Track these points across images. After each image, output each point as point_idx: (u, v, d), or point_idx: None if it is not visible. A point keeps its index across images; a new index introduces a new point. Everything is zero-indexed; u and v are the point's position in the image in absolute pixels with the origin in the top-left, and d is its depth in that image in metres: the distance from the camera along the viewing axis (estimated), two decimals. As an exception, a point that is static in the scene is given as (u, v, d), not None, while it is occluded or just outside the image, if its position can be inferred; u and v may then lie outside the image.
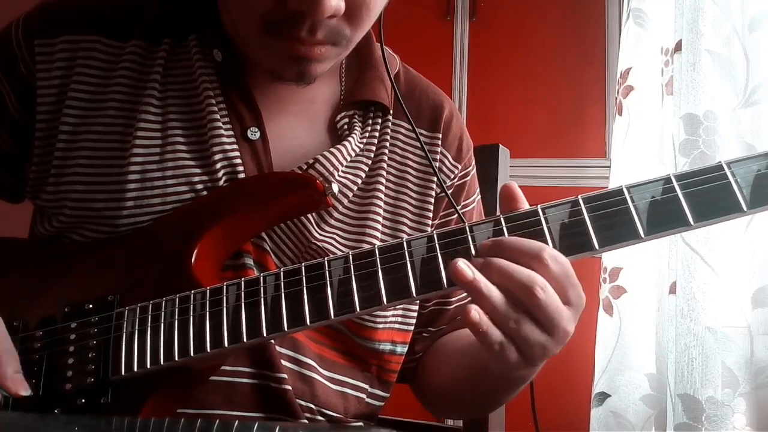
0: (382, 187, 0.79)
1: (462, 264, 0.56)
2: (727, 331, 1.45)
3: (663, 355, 1.58)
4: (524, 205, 0.61)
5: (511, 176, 1.13)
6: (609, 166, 1.85)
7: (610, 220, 0.57)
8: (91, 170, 0.72)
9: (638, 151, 1.68)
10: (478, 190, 0.92)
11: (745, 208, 0.56)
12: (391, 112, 0.82)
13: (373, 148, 0.80)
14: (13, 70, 0.75)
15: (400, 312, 0.80)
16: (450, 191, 0.84)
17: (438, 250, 0.60)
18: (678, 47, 1.57)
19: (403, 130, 0.83)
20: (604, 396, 1.62)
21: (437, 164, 0.83)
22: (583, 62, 2.19)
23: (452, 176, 0.85)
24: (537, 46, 2.23)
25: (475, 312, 0.56)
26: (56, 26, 0.75)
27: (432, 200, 0.83)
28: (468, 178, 0.88)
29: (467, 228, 0.60)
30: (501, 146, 1.09)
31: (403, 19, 2.19)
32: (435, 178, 0.82)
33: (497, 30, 2.28)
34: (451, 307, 0.86)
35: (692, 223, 0.56)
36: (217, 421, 0.64)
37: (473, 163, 0.90)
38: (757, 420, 1.43)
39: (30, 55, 0.74)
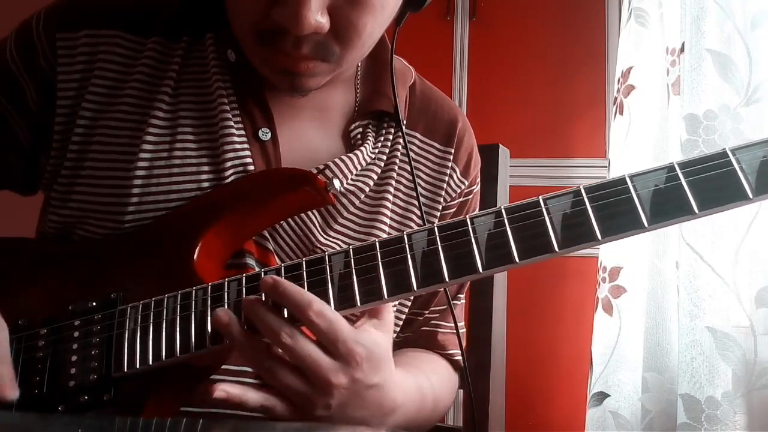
0: (390, 196, 0.80)
1: (221, 312, 0.59)
2: (730, 331, 1.45)
3: (664, 354, 1.58)
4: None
5: (511, 176, 1.13)
6: (608, 166, 1.85)
7: (612, 209, 0.56)
8: (102, 164, 0.72)
9: (639, 151, 1.67)
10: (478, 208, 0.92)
11: (750, 195, 0.54)
12: (405, 123, 0.82)
13: (384, 158, 0.80)
14: (33, 63, 0.75)
15: (395, 311, 0.79)
16: (454, 209, 0.85)
17: (439, 243, 0.59)
18: (683, 47, 1.57)
19: (416, 141, 0.84)
20: (602, 396, 1.61)
21: (446, 178, 0.84)
22: (583, 62, 2.19)
23: (458, 191, 0.86)
24: (537, 46, 2.23)
25: (221, 391, 0.58)
26: (78, 20, 0.75)
27: (438, 213, 0.84)
28: (471, 196, 0.89)
29: (468, 220, 0.59)
30: (501, 146, 1.09)
31: (403, 19, 2.18)
32: (443, 192, 0.83)
33: (497, 30, 2.28)
34: (422, 318, 0.87)
35: (697, 211, 0.54)
36: (215, 419, 0.64)
37: (478, 180, 0.91)
38: (759, 421, 1.42)
39: (51, 48, 0.74)
